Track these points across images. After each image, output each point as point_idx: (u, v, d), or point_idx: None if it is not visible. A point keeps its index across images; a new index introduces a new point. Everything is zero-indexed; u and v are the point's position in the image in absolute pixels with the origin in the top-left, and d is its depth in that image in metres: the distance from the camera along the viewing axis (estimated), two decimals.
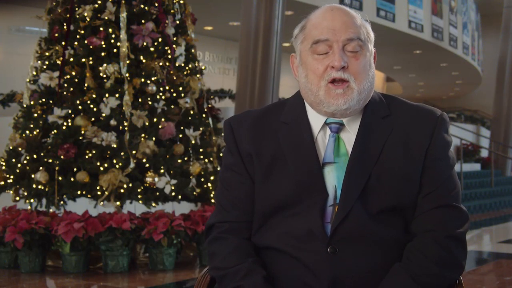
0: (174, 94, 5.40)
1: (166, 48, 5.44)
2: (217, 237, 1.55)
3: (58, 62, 5.27)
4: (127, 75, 5.13)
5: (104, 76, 5.13)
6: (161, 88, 5.28)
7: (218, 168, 5.53)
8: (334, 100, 1.46)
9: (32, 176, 5.01)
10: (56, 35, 5.41)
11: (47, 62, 5.36)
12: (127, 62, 5.15)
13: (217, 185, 5.38)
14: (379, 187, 1.45)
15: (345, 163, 1.47)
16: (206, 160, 5.44)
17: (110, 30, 5.22)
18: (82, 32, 5.27)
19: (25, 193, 5.07)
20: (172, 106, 5.34)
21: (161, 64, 5.31)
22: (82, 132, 5.00)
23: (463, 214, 1.49)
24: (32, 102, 5.34)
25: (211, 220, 1.59)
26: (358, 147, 1.47)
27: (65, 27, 5.35)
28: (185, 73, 5.60)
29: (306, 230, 1.44)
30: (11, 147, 5.33)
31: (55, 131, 5.05)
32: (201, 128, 5.46)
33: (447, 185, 1.49)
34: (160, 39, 5.37)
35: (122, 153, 4.95)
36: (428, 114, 1.52)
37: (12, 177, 5.13)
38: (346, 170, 1.46)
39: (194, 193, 5.19)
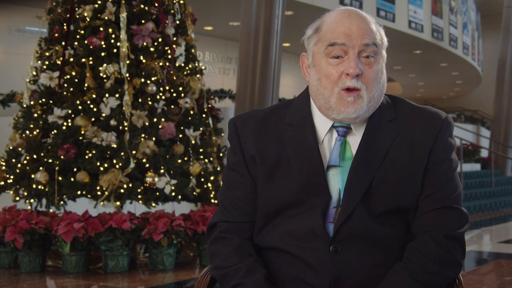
0: (174, 94, 5.40)
1: (166, 48, 5.44)
2: (218, 236, 1.56)
3: (58, 62, 5.27)
4: (127, 75, 5.13)
5: (104, 76, 5.13)
6: (161, 88, 5.27)
7: (218, 168, 5.53)
8: (345, 108, 1.46)
9: (32, 176, 5.01)
10: (56, 35, 5.41)
11: (47, 62, 5.36)
12: (127, 62, 5.15)
13: (217, 185, 5.40)
14: (382, 189, 1.46)
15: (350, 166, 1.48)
16: (206, 160, 5.44)
17: (110, 30, 5.22)
18: (82, 32, 5.27)
19: (25, 193, 5.07)
20: (172, 106, 5.34)
21: (161, 64, 5.31)
22: (82, 132, 5.00)
23: (463, 216, 1.51)
24: (32, 102, 5.33)
25: (213, 219, 1.60)
26: (363, 149, 1.48)
27: (65, 27, 5.35)
28: (185, 73, 5.60)
29: (308, 230, 1.45)
30: (11, 147, 5.33)
31: (55, 131, 5.05)
32: (201, 128, 5.46)
33: (449, 187, 1.51)
34: (160, 39, 5.37)
35: (122, 153, 4.95)
36: (433, 117, 1.52)
37: (12, 177, 5.13)
38: (349, 171, 1.46)
39: (194, 193, 5.19)
